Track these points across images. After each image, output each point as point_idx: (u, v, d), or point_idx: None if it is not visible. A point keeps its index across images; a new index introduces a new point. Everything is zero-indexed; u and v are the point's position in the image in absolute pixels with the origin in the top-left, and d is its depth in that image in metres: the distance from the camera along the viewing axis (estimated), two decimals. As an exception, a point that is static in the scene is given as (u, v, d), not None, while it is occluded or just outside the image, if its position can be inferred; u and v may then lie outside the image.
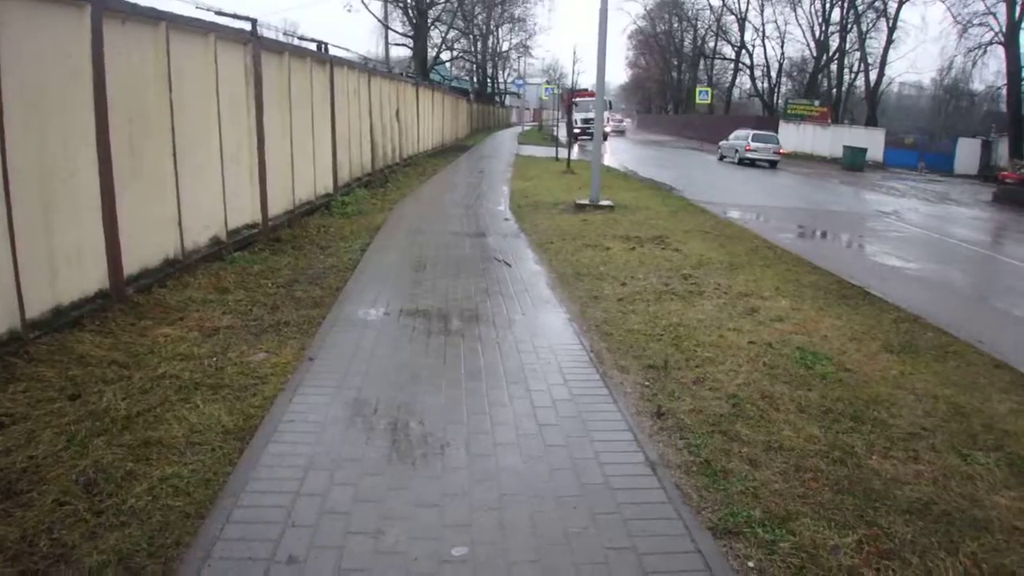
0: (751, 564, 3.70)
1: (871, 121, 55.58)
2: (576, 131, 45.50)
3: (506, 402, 5.42)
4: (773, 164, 37.64)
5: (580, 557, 3.62)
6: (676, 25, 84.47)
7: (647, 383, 5.97)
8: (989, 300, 11.18)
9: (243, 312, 7.23)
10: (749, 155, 37.90)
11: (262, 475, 4.19)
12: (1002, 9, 44.50)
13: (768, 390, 5.91)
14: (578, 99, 50.19)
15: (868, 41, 60.33)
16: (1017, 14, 43.43)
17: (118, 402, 5.00)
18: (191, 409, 4.98)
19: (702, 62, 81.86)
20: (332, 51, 14.70)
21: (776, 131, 45.36)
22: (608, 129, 65.28)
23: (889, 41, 57.48)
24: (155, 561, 3.42)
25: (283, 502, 3.92)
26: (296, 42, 13.57)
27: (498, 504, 4.03)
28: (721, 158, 41.59)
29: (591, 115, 41.39)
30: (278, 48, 11.74)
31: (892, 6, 56.78)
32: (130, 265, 7.31)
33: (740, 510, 4.15)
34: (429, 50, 52.89)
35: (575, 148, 37.13)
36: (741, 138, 39.61)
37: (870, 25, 60.15)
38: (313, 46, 13.95)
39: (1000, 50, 45.68)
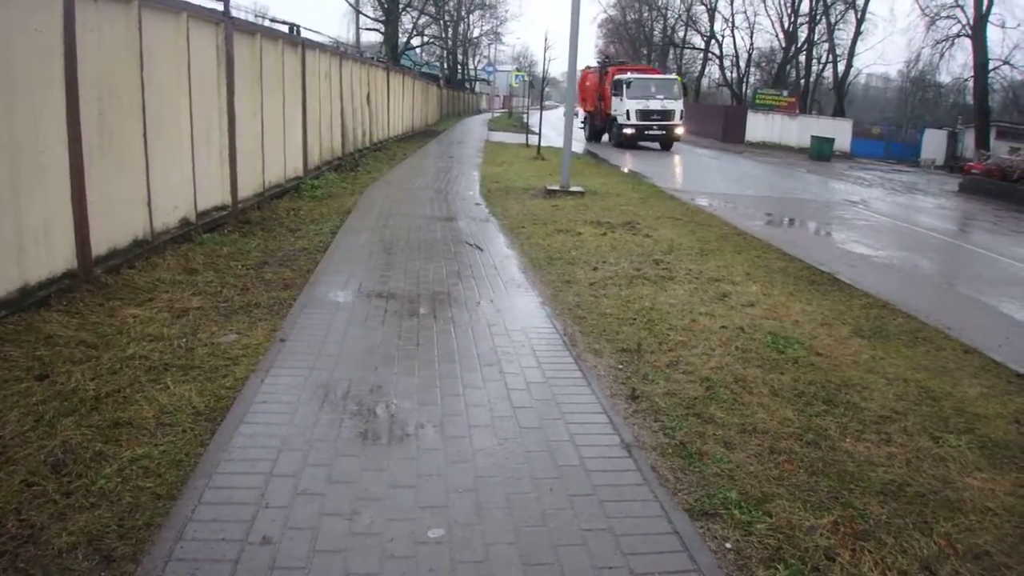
0: (728, 545, 3.71)
1: (839, 111, 55.91)
2: (627, 131, 34.81)
3: (480, 384, 5.39)
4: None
5: (557, 538, 3.60)
6: (646, 14, 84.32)
7: (621, 366, 5.97)
8: (957, 287, 11.29)
9: (213, 293, 7.14)
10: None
11: (234, 456, 4.14)
12: (970, 2, 44.89)
13: (741, 373, 5.94)
14: (629, 76, 36.34)
15: (836, 32, 60.65)
16: (984, 7, 43.83)
17: (87, 382, 4.91)
18: (161, 390, 4.91)
19: (672, 51, 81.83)
20: (304, 34, 14.56)
21: (745, 121, 51.43)
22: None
23: (857, 32, 57.83)
24: (126, 543, 3.36)
25: (256, 483, 3.87)
26: (268, 24, 13.40)
27: (474, 485, 4.00)
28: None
29: (659, 104, 34.72)
30: (250, 29, 11.59)
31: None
32: (99, 245, 7.19)
33: (716, 492, 4.16)
34: (400, 35, 52.57)
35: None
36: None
37: (839, 16, 60.47)
38: (285, 28, 13.79)
39: (967, 43, 46.15)
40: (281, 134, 13.06)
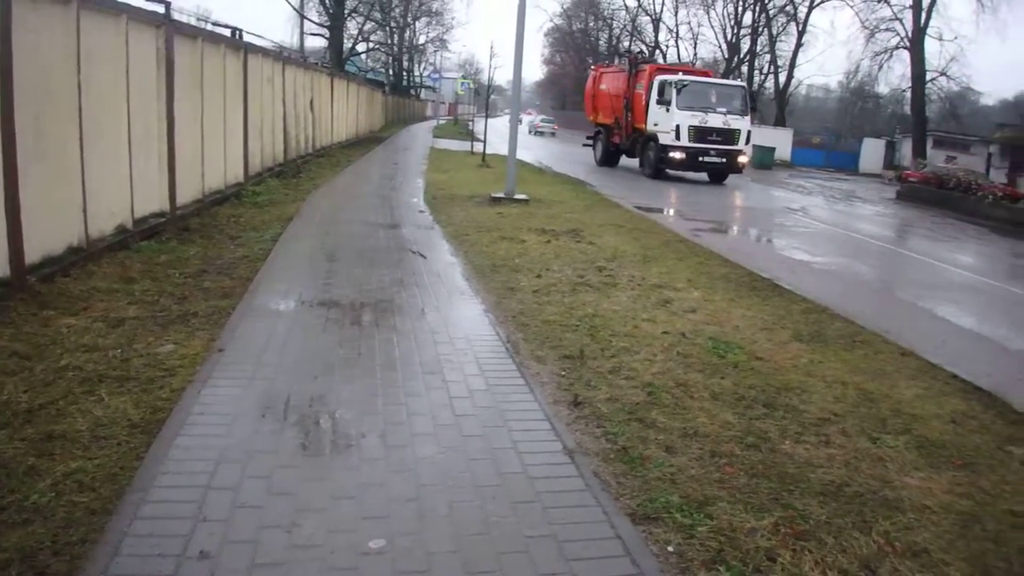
0: (670, 548, 3.72)
1: (780, 121, 56.93)
2: (675, 155, 25.37)
3: (422, 393, 5.35)
4: (553, 133, 64.86)
5: (500, 546, 3.58)
6: (592, 24, 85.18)
7: (564, 373, 5.97)
8: (895, 292, 11.53)
9: (150, 302, 7.00)
10: (538, 128, 65.87)
11: (171, 469, 4.03)
12: (908, 15, 46.28)
13: (683, 378, 5.99)
14: (681, 79, 26.16)
15: (778, 44, 61.86)
16: (923, 20, 45.15)
17: (19, 394, 4.77)
18: (96, 402, 4.78)
19: (617, 61, 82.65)
20: (247, 38, 14.39)
21: None
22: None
23: (799, 44, 59.06)
24: (60, 559, 3.26)
25: (193, 496, 3.78)
26: (210, 27, 13.22)
27: (416, 495, 3.96)
28: (529, 131, 60.81)
29: (722, 120, 25.57)
30: (192, 32, 11.43)
31: (802, 10, 58.37)
32: (32, 253, 6.99)
33: (658, 496, 4.17)
34: (345, 41, 52.22)
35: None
36: (538, 118, 71.32)
37: (780, 28, 61.70)
38: (227, 32, 13.62)
39: (905, 54, 47.54)
40: (222, 139, 12.89)
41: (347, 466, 4.23)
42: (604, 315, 7.63)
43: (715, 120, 25.55)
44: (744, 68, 64.45)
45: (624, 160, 31.20)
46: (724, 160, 26.11)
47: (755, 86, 63.95)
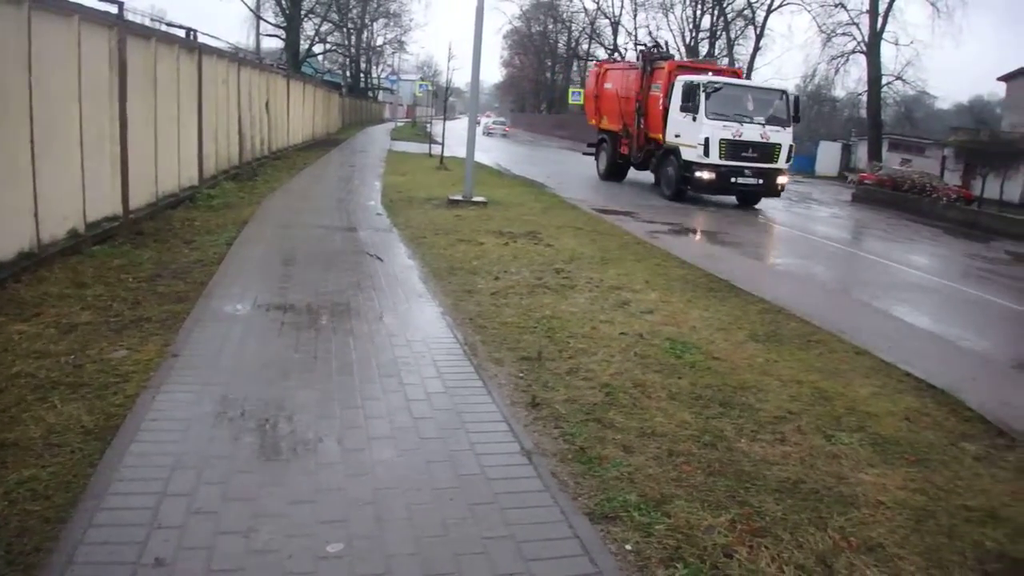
0: (628, 547, 3.75)
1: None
2: (704, 174, 20.27)
3: (379, 396, 5.33)
4: (504, 135, 63.95)
5: (459, 548, 3.58)
6: (551, 26, 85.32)
7: (521, 374, 5.98)
8: (850, 292, 11.67)
9: (103, 308, 6.89)
10: (489, 130, 63.00)
11: (125, 476, 3.98)
12: (865, 20, 46.92)
13: (640, 379, 6.03)
14: (712, 80, 20.92)
15: (736, 48, 62.32)
16: (879, 25, 45.79)
17: (-32, 402, 4.69)
18: (48, 409, 4.70)
19: (575, 63, 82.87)
20: (201, 39, 14.23)
21: None
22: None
23: (756, 48, 59.60)
24: (14, 569, 3.20)
25: (148, 503, 3.73)
26: (164, 28, 13.06)
27: (374, 498, 3.95)
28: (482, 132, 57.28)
29: (759, 132, 20.36)
30: (145, 33, 11.28)
31: (760, 14, 58.93)
32: (-19, 258, 6.88)
33: (616, 495, 4.20)
34: (302, 42, 51.92)
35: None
36: (490, 120, 69.64)
37: (739, 32, 62.25)
38: (182, 33, 13.46)
39: (862, 58, 48.17)
40: (176, 142, 12.74)
41: (304, 470, 4.19)
42: (562, 317, 7.66)
43: (752, 132, 20.33)
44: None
45: (635, 173, 26.32)
46: (761, 181, 20.74)
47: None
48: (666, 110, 21.98)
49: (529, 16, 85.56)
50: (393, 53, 76.58)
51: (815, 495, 4.46)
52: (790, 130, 21.12)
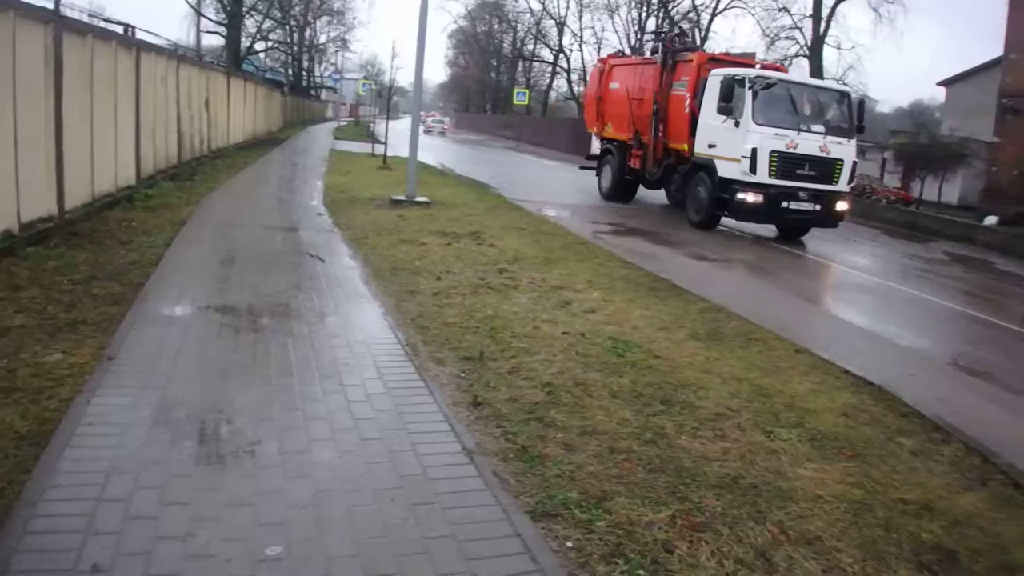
0: (570, 544, 3.77)
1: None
2: (749, 197, 15.80)
3: (320, 397, 5.27)
4: (442, 133, 67.12)
5: (400, 548, 3.56)
6: (496, 26, 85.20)
7: (463, 374, 5.96)
8: (791, 292, 11.83)
9: (37, 310, 6.71)
10: (429, 128, 63.40)
11: (61, 482, 3.88)
12: (808, 24, 47.56)
13: (582, 377, 6.06)
14: (761, 75, 16.43)
15: (681, 50, 62.66)
16: (822, 29, 46.53)
17: None
18: (-21, 414, 4.57)
19: (521, 64, 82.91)
20: (140, 35, 13.96)
21: (590, 134, 49.09)
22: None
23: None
24: (-56, 580, 3.11)
25: (85, 509, 3.65)
26: (102, 24, 12.78)
27: (314, 500, 3.91)
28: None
29: (819, 142, 16.02)
30: (82, 30, 11.01)
31: (705, 17, 59.31)
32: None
33: (557, 493, 4.21)
34: (243, 39, 51.16)
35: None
36: (430, 118, 70.12)
37: (684, 35, 62.78)
38: (120, 29, 13.19)
39: (805, 62, 48.68)
40: (113, 141, 12.47)
41: (243, 473, 4.13)
42: (504, 317, 7.66)
43: (809, 144, 15.93)
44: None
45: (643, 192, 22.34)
46: (818, 207, 16.29)
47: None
48: (694, 114, 17.60)
49: (474, 16, 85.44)
50: (336, 51, 76.04)
51: (754, 490, 4.53)
52: (854, 142, 16.72)
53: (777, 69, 19.51)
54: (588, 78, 26.29)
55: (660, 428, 5.24)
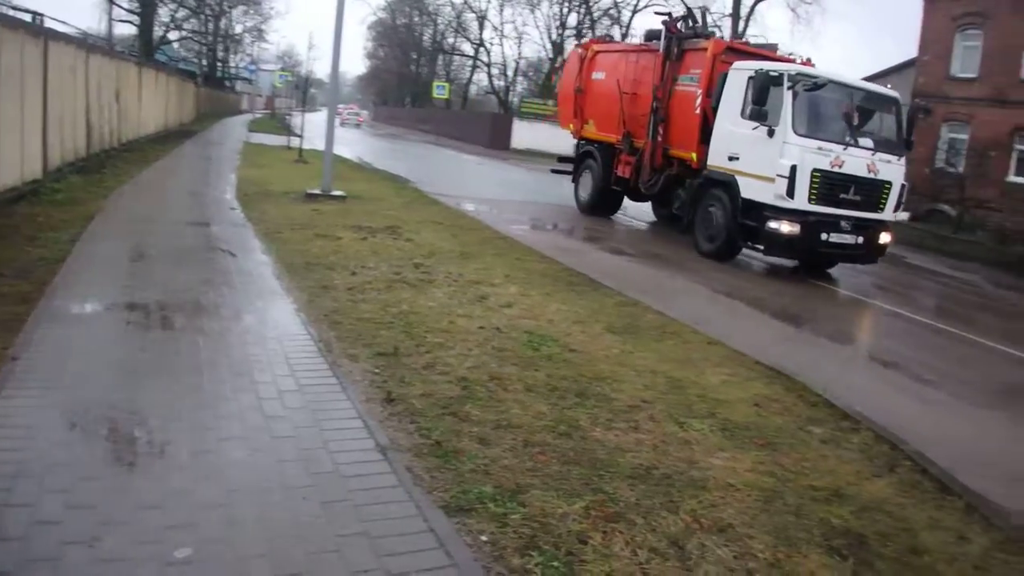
0: (484, 538, 3.76)
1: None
2: (784, 227, 12.72)
3: (230, 396, 5.16)
4: (357, 125, 68.19)
5: (312, 547, 3.52)
6: (416, 19, 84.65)
7: (377, 370, 5.89)
8: (706, 286, 12.00)
9: (-64, 310, 6.44)
10: (344, 120, 62.71)
11: (-36, 487, 3.72)
12: (727, 23, 48.47)
13: (497, 372, 6.05)
14: (807, 72, 13.22)
15: (602, 45, 63.13)
16: (741, 28, 47.49)
17: None
18: None
19: (441, 57, 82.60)
20: (49, 23, 13.43)
21: (511, 129, 51.44)
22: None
23: (622, 48, 60.56)
24: None
25: (-10, 515, 3.51)
26: (9, 12, 12.29)
27: (224, 500, 3.83)
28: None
29: (867, 159, 12.95)
30: (-13, 17, 10.58)
31: (626, 14, 60.06)
32: None
33: (472, 487, 4.20)
34: (156, 29, 49.83)
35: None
36: (347, 110, 70.56)
37: (605, 31, 63.28)
38: (28, 17, 12.70)
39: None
40: (18, 132, 12.01)
41: (152, 475, 4.02)
42: (420, 312, 7.59)
43: (856, 162, 12.96)
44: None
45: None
46: (861, 240, 13.39)
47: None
48: (707, 116, 14.51)
49: (394, 7, 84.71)
50: (252, 42, 74.34)
51: (667, 480, 4.59)
52: (903, 161, 13.76)
53: (806, 65, 15.04)
54: (564, 66, 21.33)
55: (575, 421, 5.27)
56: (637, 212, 19.42)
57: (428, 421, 5.01)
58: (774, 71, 12.97)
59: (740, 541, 4.04)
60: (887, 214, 13.69)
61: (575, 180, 19.84)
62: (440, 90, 62.71)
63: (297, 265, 9.19)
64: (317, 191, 15.71)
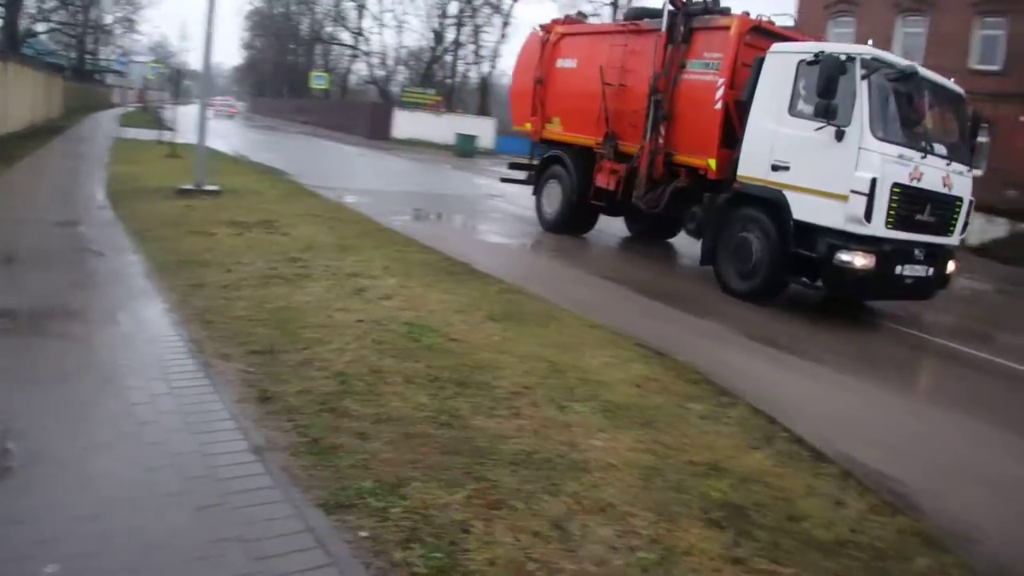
0: (364, 534, 3.70)
1: (484, 111, 58.62)
2: (859, 260, 9.85)
3: (99, 402, 4.96)
4: (230, 116, 65.74)
5: (186, 555, 3.41)
6: (294, 7, 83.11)
7: (251, 369, 5.73)
8: (589, 270, 12.15)
9: None
10: (216, 111, 58.39)
11: None
12: (607, 11, 49.06)
13: (376, 365, 5.96)
14: (884, 58, 10.37)
15: (482, 34, 63.41)
16: (614, 16, 48.09)
17: None
18: None
19: (319, 47, 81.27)
20: None
21: (391, 118, 51.24)
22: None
23: (502, 35, 61.04)
24: None
25: None
26: None
27: (94, 512, 3.66)
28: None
29: (943, 170, 10.45)
30: None
31: (507, 3, 60.46)
32: None
33: (351, 483, 4.13)
34: (23, 21, 47.48)
35: None
36: (220, 102, 67.44)
37: (485, 20, 63.42)
38: None
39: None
40: None
41: (17, 489, 3.82)
42: (296, 307, 7.41)
43: (933, 174, 10.51)
44: (449, 57, 65.73)
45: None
46: (931, 272, 10.97)
47: (459, 75, 65.52)
48: (730, 112, 11.77)
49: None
50: (123, 33, 71.65)
51: (549, 464, 4.61)
52: (972, 175, 11.34)
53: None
54: (519, 53, 17.21)
55: (455, 410, 5.24)
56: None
57: (305, 418, 4.90)
58: (843, 54, 10.13)
59: (622, 519, 4.09)
60: (955, 238, 11.25)
61: (536, 192, 16.43)
62: (318, 80, 61.89)
63: (168, 264, 8.87)
64: (190, 186, 15.20)
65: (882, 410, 7.26)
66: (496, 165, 38.06)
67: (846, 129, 9.86)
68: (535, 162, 16.59)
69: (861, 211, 9.74)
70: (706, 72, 12.16)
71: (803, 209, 10.39)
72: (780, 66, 10.96)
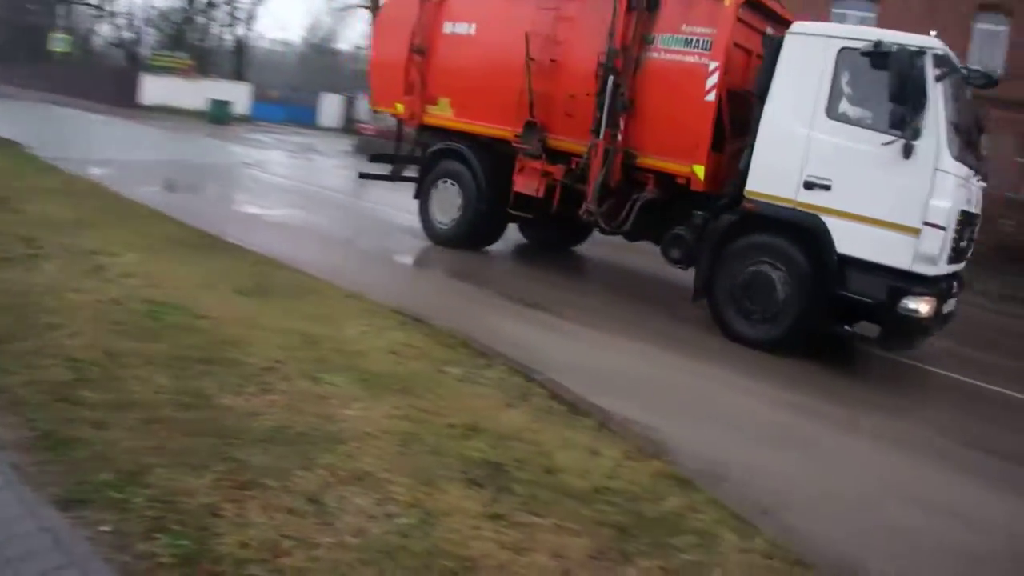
0: (105, 528, 3.52)
1: (239, 75, 56.59)
2: (919, 303, 8.09)
3: None
4: None
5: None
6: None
7: (-31, 365, 5.27)
8: (350, 241, 12.05)
9: None
10: None
11: None
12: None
13: (114, 348, 5.60)
14: (934, 47, 8.09)
15: (236, -2, 60.89)
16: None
17: None
18: None
19: (61, 6, 75.20)
20: None
21: (139, 84, 48.55)
22: None
23: (260, -3, 58.67)
24: None
25: None
26: None
27: None
28: None
29: (978, 183, 9.08)
30: None
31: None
32: None
33: (88, 476, 3.90)
34: None
35: None
36: None
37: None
38: None
39: (365, 13, 49.67)
40: None
41: None
42: (27, 291, 6.77)
43: (975, 193, 9.20)
44: (201, 19, 62.88)
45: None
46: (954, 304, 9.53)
47: (214, 39, 62.83)
48: (722, 107, 9.51)
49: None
50: None
51: (302, 438, 4.56)
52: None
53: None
54: (380, 14, 15.01)
55: (200, 390, 5.04)
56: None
57: (34, 411, 4.54)
58: (920, 47, 8.12)
59: (379, 487, 4.11)
60: (963, 263, 9.67)
61: (422, 195, 12.78)
62: (59, 43, 57.38)
63: None
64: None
65: (643, 365, 7.69)
66: (253, 132, 37.04)
67: (916, 144, 7.95)
68: (417, 155, 13.31)
69: (936, 248, 8.08)
70: (688, 51, 9.61)
71: (851, 241, 8.35)
72: (811, 52, 8.70)
